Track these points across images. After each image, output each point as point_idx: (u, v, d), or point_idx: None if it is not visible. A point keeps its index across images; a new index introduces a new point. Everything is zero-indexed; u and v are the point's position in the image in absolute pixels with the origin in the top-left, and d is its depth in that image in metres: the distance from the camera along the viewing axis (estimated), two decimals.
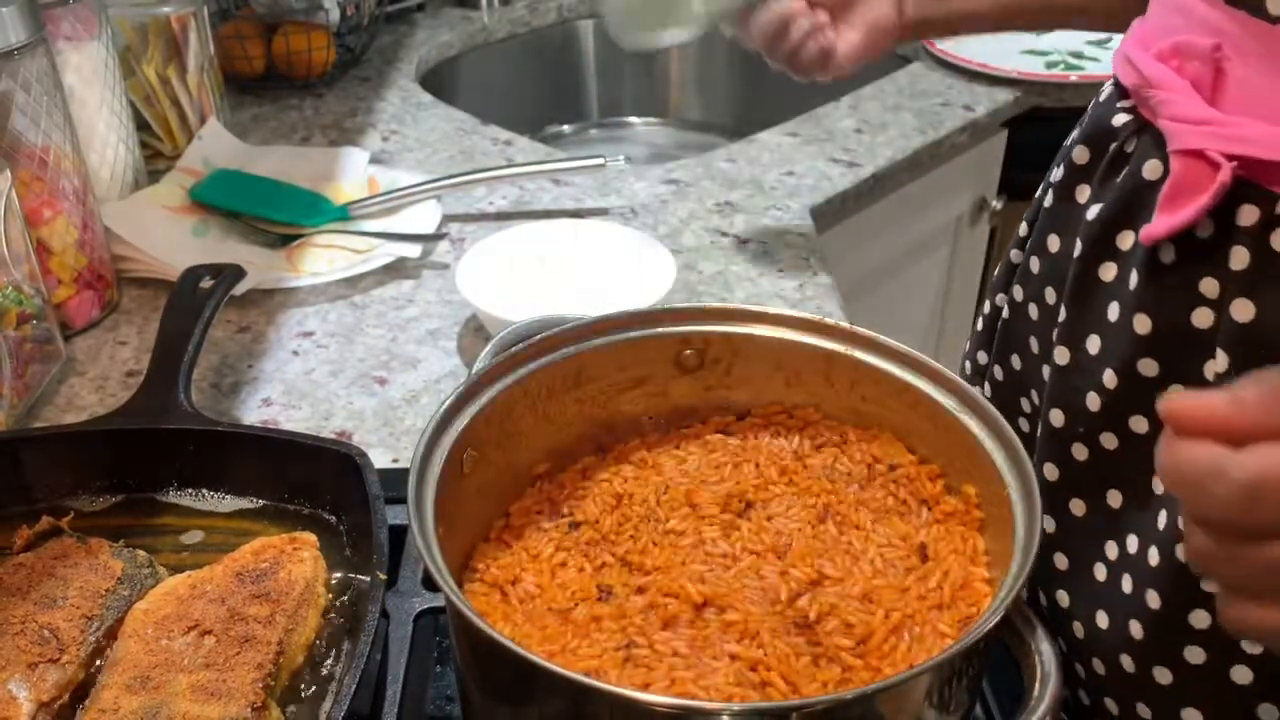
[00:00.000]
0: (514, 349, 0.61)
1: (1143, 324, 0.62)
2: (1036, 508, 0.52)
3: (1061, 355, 0.69)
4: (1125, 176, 0.65)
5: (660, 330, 0.64)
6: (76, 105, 1.02)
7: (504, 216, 1.16)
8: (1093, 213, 0.66)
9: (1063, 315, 0.69)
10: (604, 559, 0.59)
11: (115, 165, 1.10)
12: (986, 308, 0.83)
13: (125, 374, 0.92)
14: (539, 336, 0.62)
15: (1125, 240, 0.65)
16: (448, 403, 0.57)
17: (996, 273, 0.82)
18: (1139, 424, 0.64)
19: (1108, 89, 0.71)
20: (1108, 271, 0.66)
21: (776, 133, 1.33)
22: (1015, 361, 0.77)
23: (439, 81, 1.60)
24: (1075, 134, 0.72)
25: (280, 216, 1.12)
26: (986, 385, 0.82)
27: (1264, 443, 0.36)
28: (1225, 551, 0.38)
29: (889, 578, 0.57)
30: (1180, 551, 0.60)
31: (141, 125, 1.20)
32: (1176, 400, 0.39)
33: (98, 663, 0.60)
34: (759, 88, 1.73)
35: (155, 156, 1.23)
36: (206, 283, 0.84)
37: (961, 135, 1.38)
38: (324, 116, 1.40)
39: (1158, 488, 0.63)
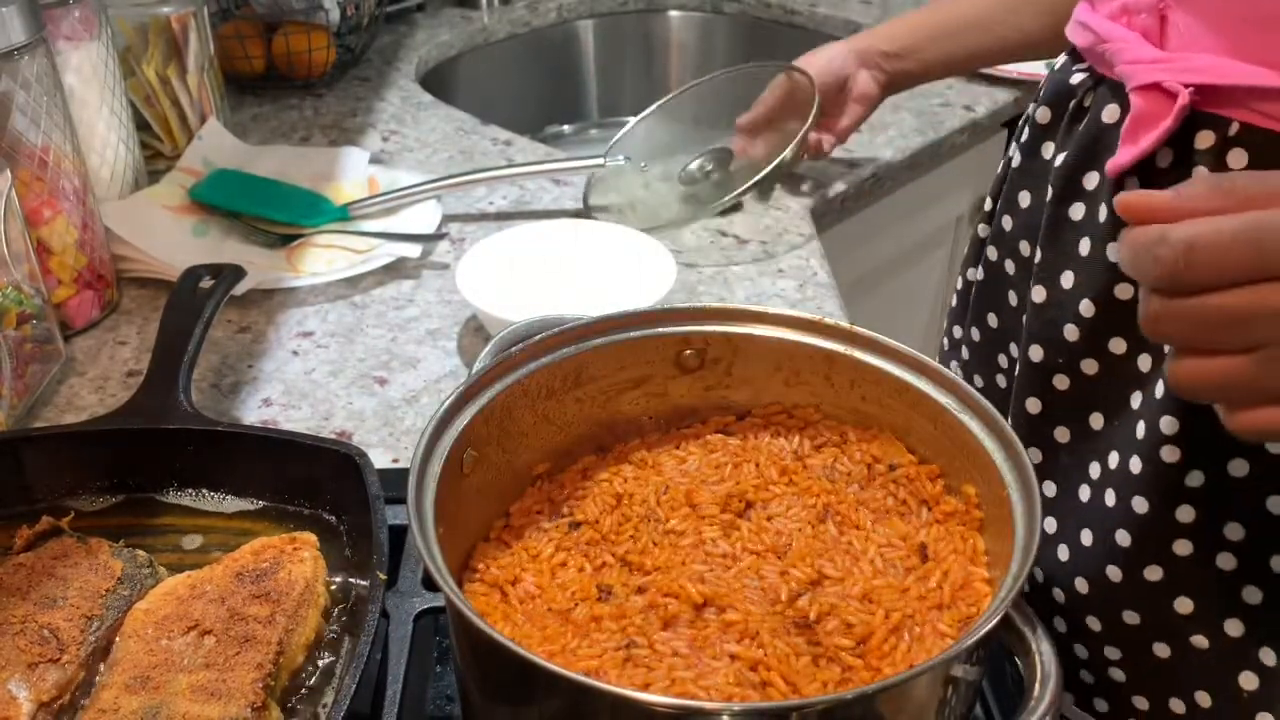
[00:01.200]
0: (513, 349, 0.61)
1: (1115, 251, 0.64)
2: (1036, 508, 0.51)
3: (1039, 294, 0.72)
4: (1086, 124, 0.69)
5: (660, 330, 0.64)
6: (76, 105, 1.02)
7: (504, 216, 1.16)
8: (1059, 161, 0.71)
9: (1038, 257, 0.72)
10: (604, 559, 0.59)
11: (115, 165, 1.10)
12: (959, 284, 0.88)
13: (125, 374, 0.92)
14: (539, 336, 0.62)
15: (1090, 181, 0.69)
16: (448, 403, 0.57)
17: (965, 252, 0.86)
18: (1118, 345, 0.68)
19: (1062, 58, 0.76)
20: (1077, 211, 0.69)
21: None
22: (992, 320, 0.81)
23: (439, 81, 1.60)
24: (1035, 100, 0.78)
25: (280, 216, 1.12)
26: (964, 349, 0.86)
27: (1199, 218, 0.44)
28: (1170, 309, 0.45)
29: (889, 578, 0.57)
30: (1164, 453, 0.63)
31: (141, 125, 1.20)
32: (1130, 195, 0.47)
33: (101, 659, 0.60)
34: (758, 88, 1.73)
35: (155, 156, 1.23)
36: (206, 283, 0.84)
37: (961, 135, 1.38)
38: (324, 116, 1.40)
39: (1135, 401, 0.67)
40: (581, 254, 0.99)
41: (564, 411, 0.64)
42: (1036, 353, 0.72)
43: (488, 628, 0.46)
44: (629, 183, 1.17)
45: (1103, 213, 0.67)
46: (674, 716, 0.45)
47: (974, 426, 0.58)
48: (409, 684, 0.60)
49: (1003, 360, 0.81)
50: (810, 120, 1.06)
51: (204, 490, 0.71)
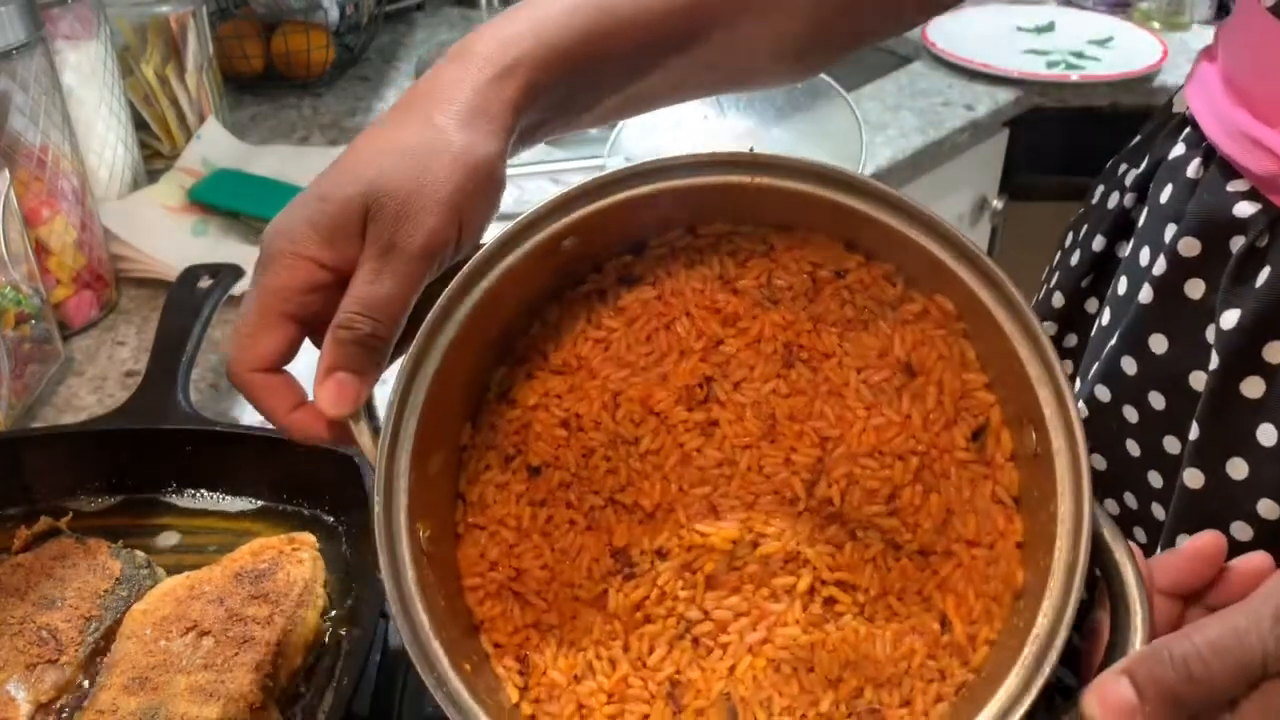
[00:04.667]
0: (403, 358, 0.50)
1: None
2: (1039, 335, 0.46)
3: (1193, 478, 0.61)
4: (1269, 279, 0.57)
5: (533, 241, 0.50)
6: (75, 105, 1.02)
7: (503, 216, 1.15)
8: (1229, 320, 0.58)
9: (1194, 433, 0.61)
10: (591, 501, 0.52)
11: (114, 165, 1.10)
12: None
13: (124, 374, 0.92)
14: (424, 327, 0.50)
15: (1275, 352, 0.57)
16: (379, 485, 0.49)
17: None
18: None
19: (1200, 167, 0.62)
20: (1253, 387, 0.58)
21: (776, 132, 1.33)
22: (1100, 461, 0.70)
23: None
24: (1169, 219, 0.63)
25: None
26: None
27: None
28: None
29: (886, 411, 0.51)
30: None
31: (140, 125, 1.20)
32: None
33: (99, 660, 0.60)
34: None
35: (154, 156, 1.23)
36: (205, 282, 0.84)
37: (962, 135, 1.38)
38: (323, 116, 1.40)
39: None
40: None
41: (464, 366, 0.52)
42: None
43: None
44: None
45: None
46: None
47: (926, 242, 0.48)
48: (409, 684, 0.60)
49: (1111, 505, 0.70)
50: None
51: (202, 490, 0.71)
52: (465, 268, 0.49)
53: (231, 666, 0.57)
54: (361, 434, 0.50)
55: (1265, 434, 0.58)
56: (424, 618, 0.47)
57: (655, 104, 0.62)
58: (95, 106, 1.06)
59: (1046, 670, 0.44)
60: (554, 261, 0.51)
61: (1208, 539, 0.46)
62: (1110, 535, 0.45)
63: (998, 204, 1.55)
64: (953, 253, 0.48)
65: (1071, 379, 0.72)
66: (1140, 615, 0.43)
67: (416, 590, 0.48)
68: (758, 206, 0.51)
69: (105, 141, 1.09)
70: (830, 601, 0.49)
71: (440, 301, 0.48)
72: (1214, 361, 0.60)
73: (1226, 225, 0.59)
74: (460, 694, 0.46)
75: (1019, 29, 1.64)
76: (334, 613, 0.63)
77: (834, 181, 0.48)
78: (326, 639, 0.62)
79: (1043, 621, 0.45)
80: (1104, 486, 0.70)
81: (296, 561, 0.63)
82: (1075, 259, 0.74)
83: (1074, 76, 1.48)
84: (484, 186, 0.51)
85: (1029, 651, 0.45)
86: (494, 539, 0.53)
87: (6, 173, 0.84)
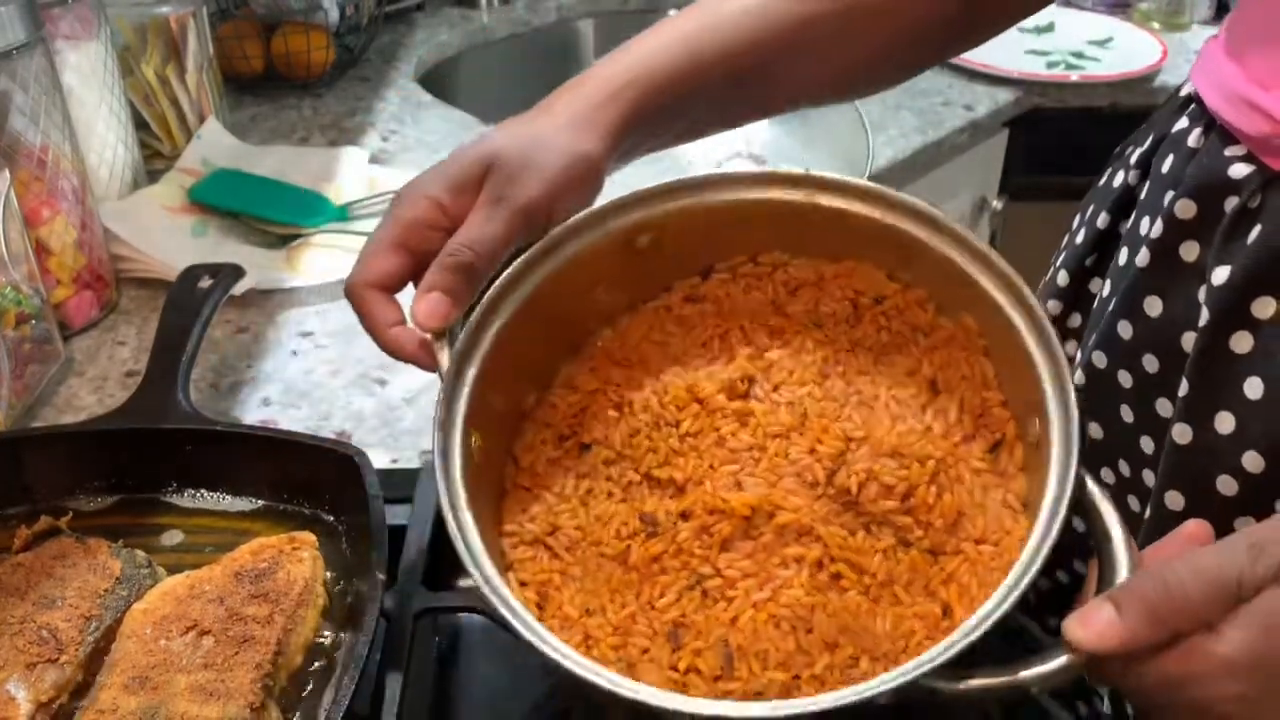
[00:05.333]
0: (484, 297, 0.58)
1: None
2: (1051, 338, 0.51)
3: (1182, 433, 0.62)
4: (1260, 236, 0.58)
5: (610, 226, 0.60)
6: (75, 105, 1.02)
7: None
8: (1219, 277, 0.60)
9: (1184, 389, 0.62)
10: (629, 477, 0.57)
11: (114, 165, 1.10)
12: None
13: (124, 374, 0.92)
14: (503, 276, 0.58)
15: (1264, 308, 0.59)
16: (442, 396, 0.55)
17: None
18: None
19: (1194, 133, 0.64)
20: (1242, 342, 0.60)
21: (775, 132, 1.33)
22: (1096, 430, 0.71)
23: (439, 81, 1.60)
24: (1169, 187, 0.65)
25: (280, 216, 1.11)
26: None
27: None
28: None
29: (909, 422, 0.56)
30: None
31: (140, 125, 1.20)
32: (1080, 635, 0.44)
33: (99, 659, 0.60)
34: None
35: (154, 156, 1.23)
36: (205, 283, 0.84)
37: (962, 135, 1.38)
38: (323, 116, 1.40)
39: None
40: None
41: (533, 333, 0.60)
42: (1175, 500, 0.63)
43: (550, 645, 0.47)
44: None
45: None
46: None
47: (958, 257, 0.55)
48: (409, 684, 0.60)
49: (1108, 474, 0.71)
50: None
51: (203, 490, 0.71)
52: (552, 231, 0.59)
53: (232, 666, 0.57)
54: (442, 355, 0.57)
55: (1252, 387, 0.59)
56: (464, 496, 0.52)
57: (740, 123, 0.73)
58: (95, 107, 1.06)
59: (1024, 583, 0.47)
60: (628, 253, 0.60)
61: (1196, 527, 0.48)
62: (1099, 496, 0.49)
63: (997, 204, 1.55)
64: (979, 265, 0.55)
65: (1072, 361, 0.73)
66: (1126, 566, 0.46)
67: (462, 480, 0.53)
68: (809, 223, 0.59)
69: (105, 142, 1.09)
70: (836, 577, 0.52)
71: (524, 257, 0.58)
72: (1204, 318, 0.61)
73: (1221, 187, 0.61)
74: (486, 566, 0.50)
75: (1019, 29, 1.63)
76: (334, 612, 0.63)
77: (876, 198, 0.58)
78: (327, 639, 0.62)
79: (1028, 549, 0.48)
80: (1099, 455, 0.72)
81: (297, 561, 0.63)
82: (1080, 237, 0.76)
83: (1074, 77, 1.48)
84: (581, 178, 0.60)
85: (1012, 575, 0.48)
86: (537, 500, 0.58)
87: (7, 173, 0.84)
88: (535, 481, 0.58)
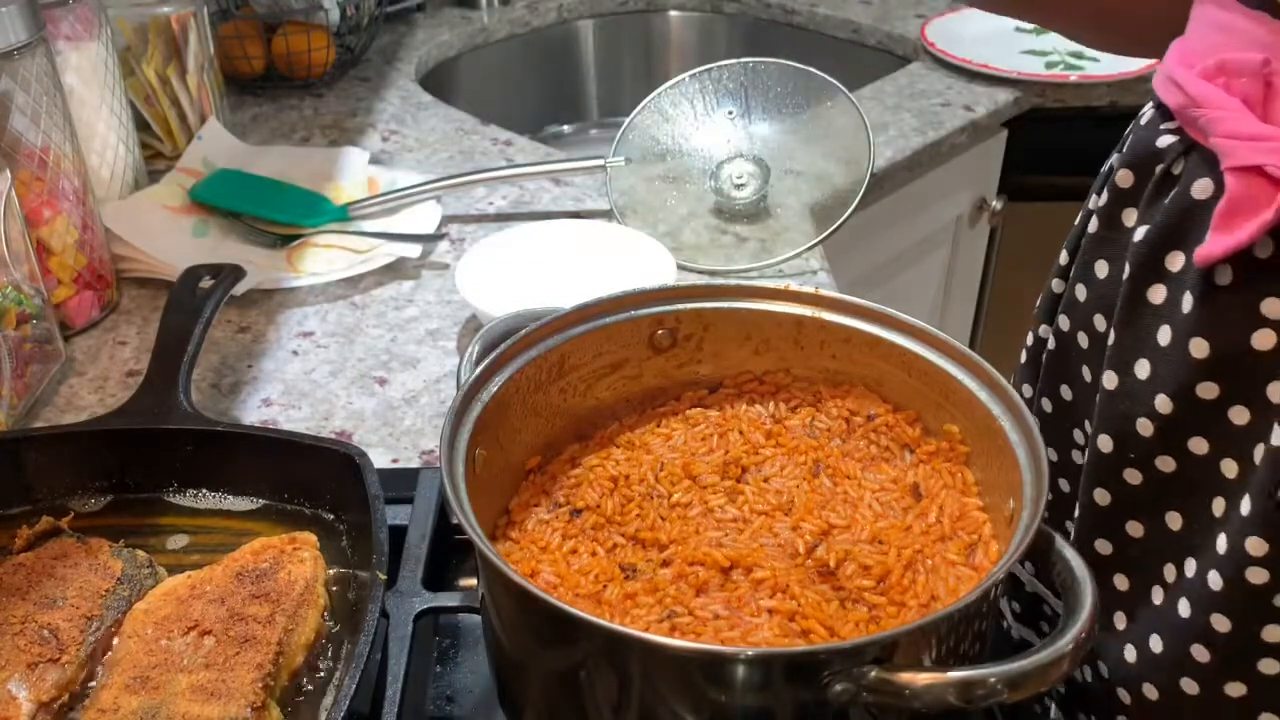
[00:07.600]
0: (502, 347, 0.62)
1: (1200, 348, 0.60)
2: (1032, 430, 0.56)
3: (1110, 380, 0.66)
4: (1174, 197, 0.62)
5: (634, 313, 0.66)
6: (76, 105, 1.02)
7: (504, 217, 1.16)
8: (1140, 234, 0.64)
9: (1111, 339, 0.67)
10: (614, 540, 0.60)
11: (115, 165, 1.10)
12: (1029, 339, 0.81)
13: (125, 374, 0.92)
14: (523, 331, 0.63)
15: (1175, 261, 0.62)
16: (458, 400, 0.58)
17: (1038, 303, 0.79)
18: (1199, 445, 0.62)
19: (1149, 112, 0.68)
20: (1156, 294, 0.64)
21: (776, 131, 1.33)
22: (1065, 392, 0.75)
23: (439, 81, 1.60)
24: (1115, 158, 0.70)
25: (280, 217, 1.12)
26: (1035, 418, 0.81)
27: None
28: None
29: (890, 519, 0.60)
30: (1250, 574, 0.59)
31: (141, 125, 1.20)
32: None
33: (100, 659, 0.60)
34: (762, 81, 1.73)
35: (155, 156, 1.23)
36: (206, 283, 0.84)
37: (961, 135, 1.38)
38: (324, 116, 1.40)
39: (1217, 509, 0.62)
40: (581, 254, 0.99)
41: (549, 403, 0.65)
42: (1105, 443, 0.67)
43: (527, 583, 0.48)
44: (658, 191, 1.15)
45: (1187, 300, 0.60)
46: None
47: (950, 368, 0.61)
48: (409, 684, 0.60)
49: (1078, 436, 0.74)
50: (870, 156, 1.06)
51: (203, 490, 0.71)
52: (577, 306, 0.65)
53: (233, 666, 0.57)
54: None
55: (1163, 334, 0.63)
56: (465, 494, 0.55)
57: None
58: (96, 107, 1.06)
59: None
60: (646, 343, 0.67)
61: None
62: (1070, 555, 0.52)
63: (997, 204, 1.55)
64: (968, 372, 0.61)
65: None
66: (1088, 606, 0.49)
67: (464, 474, 0.56)
68: (814, 337, 0.67)
69: (106, 142, 1.09)
70: (806, 633, 0.54)
71: (553, 319, 0.64)
72: (1126, 271, 0.66)
73: (1151, 157, 0.65)
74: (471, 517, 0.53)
75: (1018, 29, 1.64)
76: (335, 612, 0.64)
77: (876, 316, 0.65)
78: (328, 638, 0.62)
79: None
80: (1067, 417, 0.76)
81: (298, 561, 0.63)
82: (1078, 219, 0.78)
83: (1073, 77, 1.48)
84: None
85: None
86: (522, 550, 0.61)
87: (8, 173, 0.85)
88: (524, 537, 0.62)
